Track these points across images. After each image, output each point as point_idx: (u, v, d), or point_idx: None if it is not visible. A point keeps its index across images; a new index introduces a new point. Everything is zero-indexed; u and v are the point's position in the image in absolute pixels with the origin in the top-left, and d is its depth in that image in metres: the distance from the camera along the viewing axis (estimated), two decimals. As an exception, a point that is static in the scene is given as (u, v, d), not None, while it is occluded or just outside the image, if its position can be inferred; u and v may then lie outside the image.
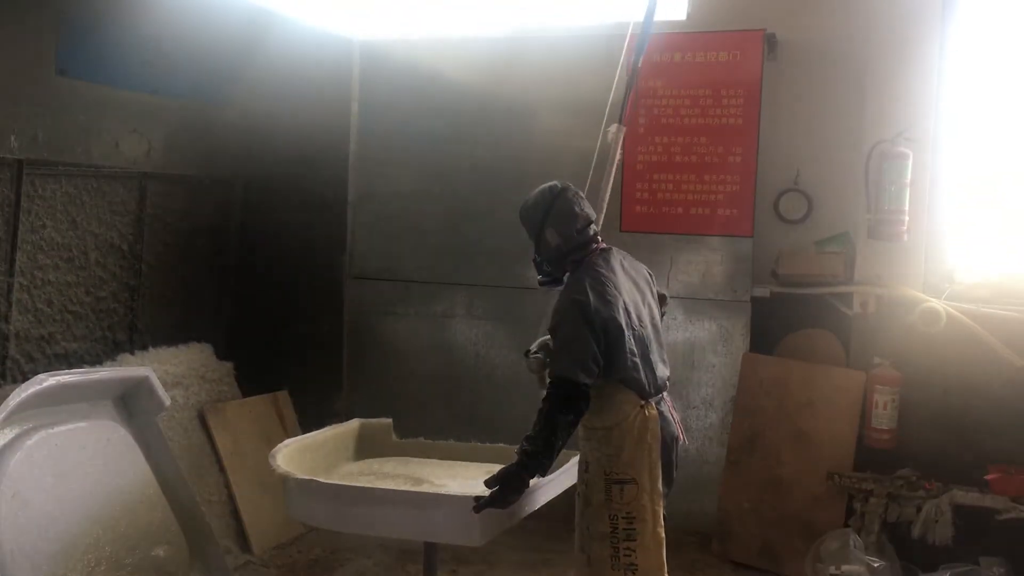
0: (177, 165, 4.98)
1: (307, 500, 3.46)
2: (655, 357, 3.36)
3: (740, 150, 4.92)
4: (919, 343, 4.55)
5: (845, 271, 4.79)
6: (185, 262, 5.14)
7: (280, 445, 3.75)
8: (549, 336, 3.43)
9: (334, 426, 4.19)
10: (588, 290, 3.21)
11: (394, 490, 3.51)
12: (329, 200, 5.47)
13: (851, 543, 4.23)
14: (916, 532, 4.36)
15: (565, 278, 3.46)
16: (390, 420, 4.31)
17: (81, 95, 4.34)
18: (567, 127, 5.08)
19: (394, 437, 4.30)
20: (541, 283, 3.55)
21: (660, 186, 5.07)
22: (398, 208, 5.46)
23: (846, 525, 4.45)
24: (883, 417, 4.52)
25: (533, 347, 3.49)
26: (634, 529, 3.22)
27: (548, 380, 3.34)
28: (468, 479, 3.75)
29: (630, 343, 3.24)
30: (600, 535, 3.24)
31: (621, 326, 3.21)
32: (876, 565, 4.13)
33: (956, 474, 4.39)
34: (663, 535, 3.29)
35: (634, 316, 3.30)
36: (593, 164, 3.62)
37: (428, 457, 4.17)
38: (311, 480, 3.42)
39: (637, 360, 3.26)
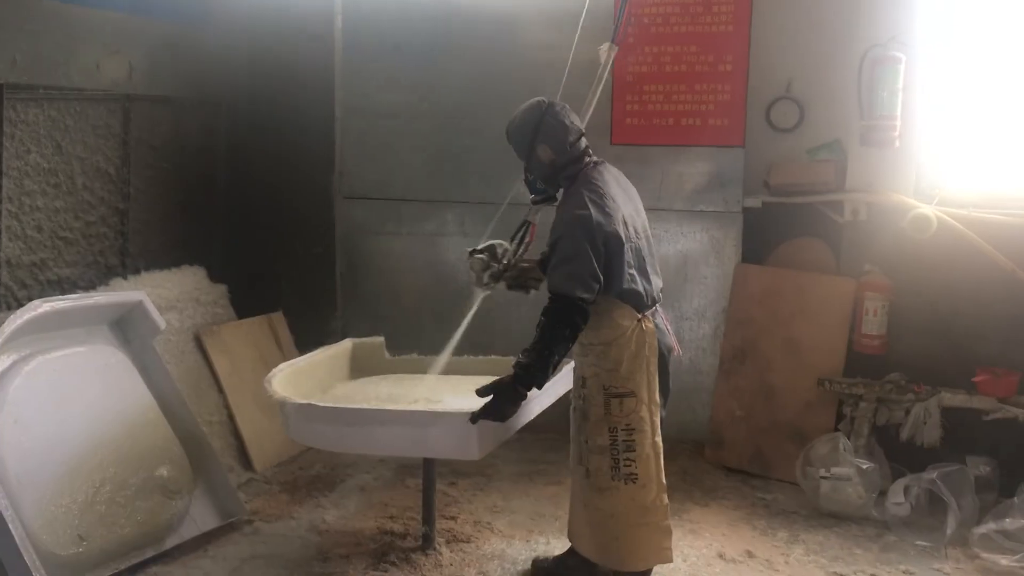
0: (160, 86, 4.90)
1: (305, 423, 3.51)
2: (650, 269, 3.39)
3: (731, 58, 4.86)
4: (910, 249, 4.58)
5: (836, 179, 4.77)
6: (173, 185, 5.10)
7: (275, 370, 3.80)
8: (499, 242, 3.55)
9: (327, 347, 4.23)
10: (588, 204, 3.21)
11: (391, 410, 3.56)
12: (316, 119, 5.40)
13: (841, 446, 4.32)
14: (905, 434, 4.45)
15: (558, 195, 3.46)
16: (382, 338, 4.35)
17: (59, 16, 4.24)
18: (555, 40, 4.98)
19: (387, 355, 4.35)
20: (534, 202, 3.54)
21: (650, 97, 5.02)
22: (386, 126, 5.39)
23: (836, 430, 4.54)
24: (873, 323, 4.57)
25: (480, 246, 3.56)
26: (633, 440, 3.28)
27: (487, 285, 3.55)
28: (464, 393, 3.81)
29: (628, 255, 3.26)
30: (599, 448, 3.30)
31: (621, 239, 3.22)
32: (865, 467, 4.23)
33: (944, 377, 4.46)
34: (661, 444, 3.36)
35: (631, 228, 3.32)
36: (564, 76, 3.59)
37: (422, 373, 4.23)
38: (308, 404, 3.47)
39: (635, 272, 3.29)
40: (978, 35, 4.60)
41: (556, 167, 3.38)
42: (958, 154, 4.69)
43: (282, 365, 3.89)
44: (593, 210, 3.19)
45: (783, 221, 4.92)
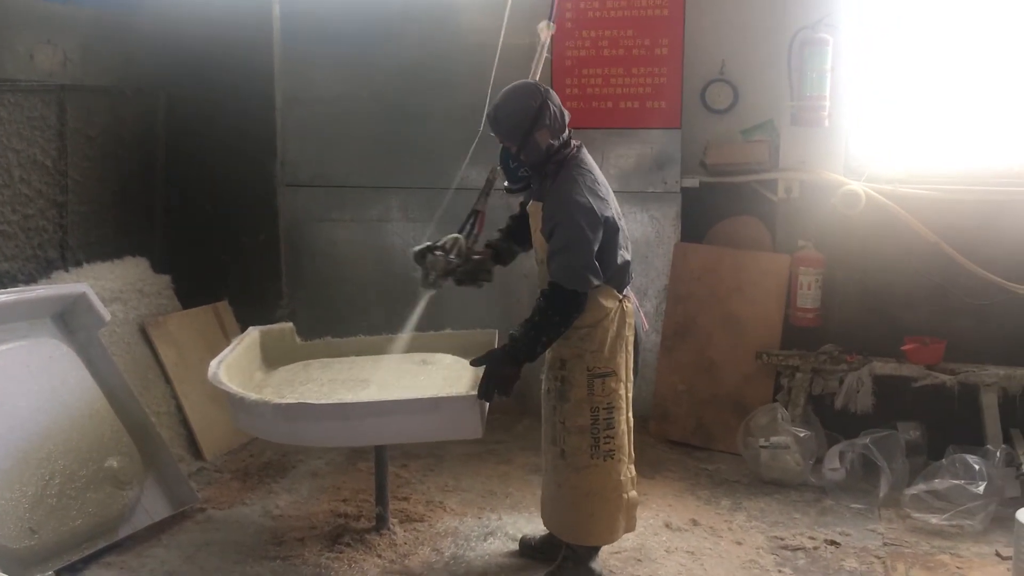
0: (95, 76, 4.84)
1: (294, 423, 3.39)
2: (630, 248, 3.42)
3: (667, 41, 4.95)
4: (841, 225, 4.74)
5: (770, 158, 4.91)
6: (112, 176, 5.04)
7: (211, 368, 3.64)
8: (452, 236, 3.45)
9: (238, 338, 4.05)
10: (584, 190, 3.18)
11: (402, 400, 3.46)
12: (256, 107, 5.36)
13: (779, 416, 4.47)
14: (839, 403, 4.62)
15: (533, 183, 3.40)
16: (291, 324, 4.25)
17: (-11, 6, 4.18)
18: (491, 24, 5.02)
19: (298, 340, 4.24)
20: (511, 190, 3.44)
21: (589, 81, 5.09)
22: (327, 113, 5.39)
23: (774, 400, 4.69)
24: (807, 297, 4.72)
25: (437, 243, 3.46)
26: (612, 418, 3.34)
27: (435, 283, 3.42)
28: (400, 373, 3.83)
29: (621, 239, 3.28)
30: (579, 428, 3.32)
31: (617, 224, 3.24)
32: (802, 435, 4.38)
33: (876, 347, 4.64)
34: (632, 419, 3.45)
35: (616, 211, 3.33)
36: (496, 59, 3.59)
37: (337, 356, 4.14)
38: (301, 403, 3.40)
39: (624, 253, 3.31)
40: (903, 17, 4.75)
41: (550, 153, 3.29)
42: (884, 132, 4.85)
43: (212, 362, 3.69)
44: (591, 197, 3.17)
45: (720, 200, 5.05)
